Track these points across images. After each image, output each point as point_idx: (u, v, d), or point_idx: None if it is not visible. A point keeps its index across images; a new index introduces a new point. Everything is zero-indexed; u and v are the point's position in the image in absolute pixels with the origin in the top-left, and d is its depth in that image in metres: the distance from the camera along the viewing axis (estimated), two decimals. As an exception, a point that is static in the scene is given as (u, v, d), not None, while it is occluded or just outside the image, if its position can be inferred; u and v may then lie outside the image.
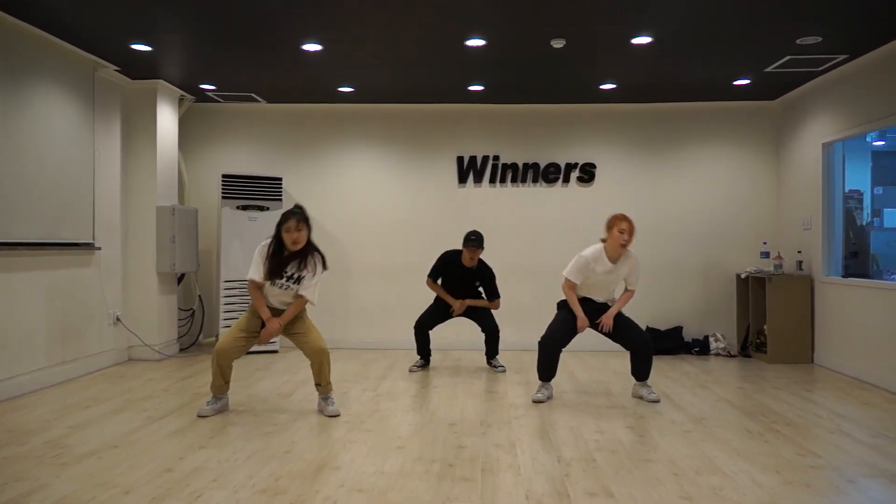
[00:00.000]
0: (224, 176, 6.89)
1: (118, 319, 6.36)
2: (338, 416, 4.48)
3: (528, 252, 7.42)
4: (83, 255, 5.86)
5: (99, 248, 6.01)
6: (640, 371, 5.01)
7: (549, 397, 5.00)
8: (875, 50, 5.52)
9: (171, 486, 3.16)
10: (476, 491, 3.13)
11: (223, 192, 6.87)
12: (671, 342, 7.18)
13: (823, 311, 6.40)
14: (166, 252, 6.60)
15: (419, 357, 6.24)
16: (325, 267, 4.56)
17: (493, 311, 6.15)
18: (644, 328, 7.25)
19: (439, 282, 6.15)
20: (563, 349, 4.97)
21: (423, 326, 6.14)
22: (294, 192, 7.50)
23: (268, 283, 4.46)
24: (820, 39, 5.24)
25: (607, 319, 4.89)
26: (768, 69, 6.07)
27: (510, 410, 4.67)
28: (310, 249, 4.49)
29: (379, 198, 7.55)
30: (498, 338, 6.17)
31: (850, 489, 3.20)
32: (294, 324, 4.58)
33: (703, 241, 7.39)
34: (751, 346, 7.04)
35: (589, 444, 3.88)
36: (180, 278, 7.17)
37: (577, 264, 4.91)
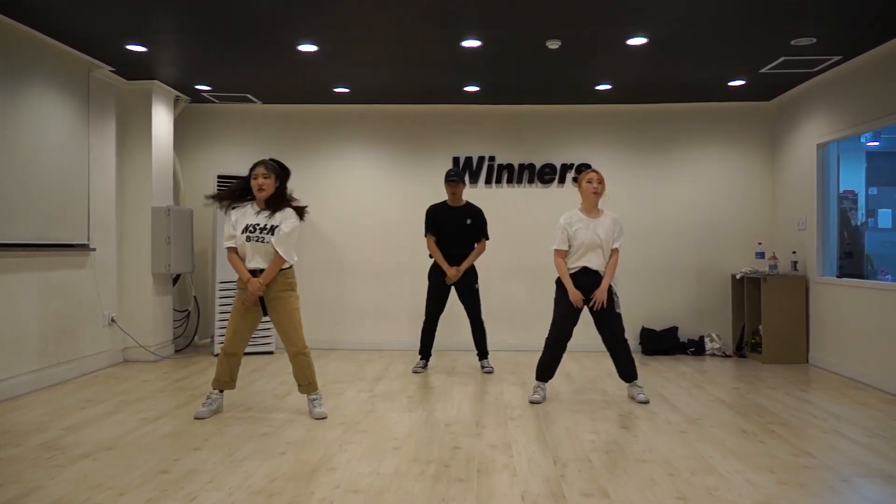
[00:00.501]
0: (219, 177, 6.88)
1: (113, 321, 6.35)
2: (324, 418, 4.42)
3: (523, 253, 7.42)
4: (78, 256, 5.84)
5: (94, 249, 6.00)
6: (626, 372, 4.98)
7: (545, 398, 5.00)
8: (869, 51, 5.54)
9: (166, 487, 3.15)
10: (472, 492, 3.13)
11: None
12: (667, 342, 7.19)
13: (818, 311, 6.41)
14: (161, 253, 6.58)
15: (420, 357, 6.22)
16: (300, 217, 4.45)
17: (477, 297, 6.07)
18: (639, 329, 7.29)
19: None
20: (568, 341, 4.95)
21: (434, 318, 6.12)
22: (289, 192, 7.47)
23: (243, 240, 4.35)
24: (815, 41, 5.26)
25: (600, 294, 4.81)
26: (763, 70, 6.08)
27: (506, 411, 4.67)
28: (282, 201, 4.41)
29: (375, 199, 7.54)
30: (483, 330, 6.14)
31: (844, 489, 3.21)
32: (281, 310, 4.42)
33: (698, 241, 7.40)
34: (746, 346, 7.05)
35: (584, 444, 3.89)
36: (175, 279, 7.15)
37: (556, 232, 4.95)
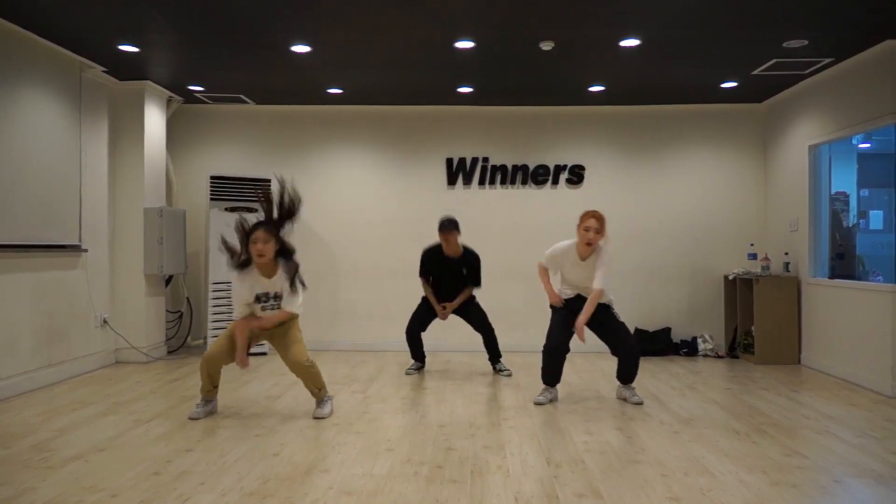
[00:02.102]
0: (212, 177, 6.86)
1: (105, 322, 6.32)
2: (322, 418, 4.43)
3: (517, 254, 7.42)
4: (70, 257, 5.82)
5: (86, 250, 5.97)
6: (626, 376, 4.99)
7: (552, 400, 4.98)
8: (860, 53, 5.57)
9: (159, 489, 3.14)
10: (465, 493, 3.13)
11: (211, 194, 6.84)
12: (659, 343, 7.21)
13: (810, 312, 6.44)
14: (154, 254, 6.56)
15: (414, 360, 6.21)
16: (303, 285, 4.43)
17: (479, 309, 6.04)
18: (633, 330, 7.30)
19: (431, 280, 6.08)
20: (566, 353, 4.93)
21: (414, 332, 6.09)
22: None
23: (258, 308, 4.39)
24: (806, 43, 5.28)
25: (578, 330, 4.72)
26: (755, 72, 6.11)
27: (500, 412, 4.67)
28: (282, 264, 4.35)
29: (368, 200, 7.54)
30: (494, 336, 6.06)
31: (836, 489, 3.22)
32: (279, 334, 4.48)
33: (690, 242, 7.43)
34: (738, 347, 7.07)
35: (578, 445, 3.89)
36: (168, 280, 7.13)
37: (550, 252, 4.93)
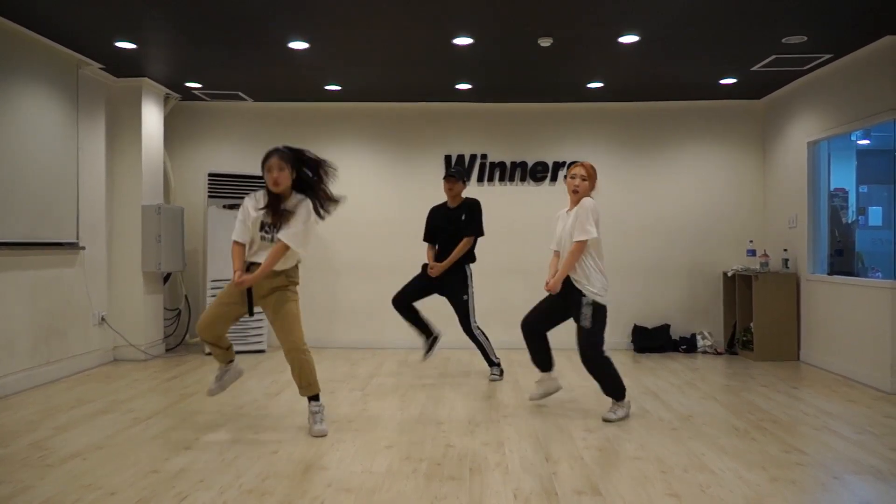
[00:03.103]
0: (210, 175, 6.85)
1: (103, 320, 6.31)
2: (324, 436, 3.98)
3: (516, 251, 7.42)
4: (67, 255, 5.80)
5: (83, 248, 5.96)
6: (604, 390, 4.46)
7: (546, 393, 4.70)
8: (859, 49, 5.56)
9: (157, 487, 3.14)
10: (464, 490, 3.13)
11: (209, 191, 6.83)
12: (659, 340, 7.21)
13: (809, 308, 6.44)
14: (152, 251, 6.55)
15: (424, 337, 5.64)
16: (319, 214, 4.02)
17: (464, 306, 5.54)
18: (632, 327, 7.30)
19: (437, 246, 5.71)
20: (544, 330, 4.53)
21: (399, 300, 5.58)
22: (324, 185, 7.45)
23: (258, 237, 3.96)
24: (805, 39, 5.27)
25: (553, 283, 4.32)
26: (754, 68, 6.10)
27: (498, 409, 4.66)
28: (298, 196, 3.99)
29: (367, 197, 7.52)
30: (479, 343, 5.60)
31: (835, 486, 3.22)
32: (275, 302, 3.99)
33: (689, 239, 7.42)
34: (737, 343, 7.07)
35: (577, 442, 3.89)
36: (166, 278, 7.12)
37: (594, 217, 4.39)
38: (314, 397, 4.09)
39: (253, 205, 4.01)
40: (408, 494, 3.07)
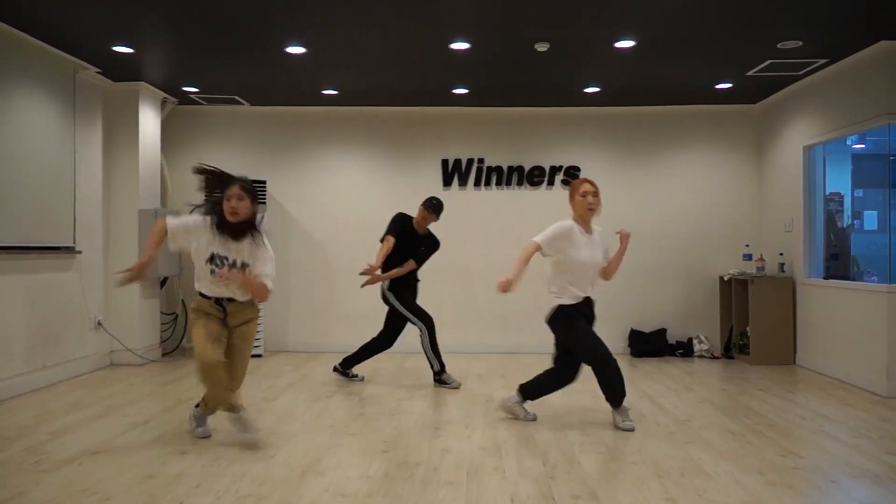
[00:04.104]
0: (207, 179, 6.83)
1: (99, 324, 6.30)
2: (208, 437, 3.96)
3: (512, 255, 7.37)
4: (64, 259, 5.79)
5: (80, 252, 5.95)
6: (612, 398, 4.32)
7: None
8: (855, 54, 5.58)
9: (153, 492, 3.13)
10: (461, 494, 3.13)
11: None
12: (655, 344, 7.21)
13: (805, 312, 6.45)
14: (149, 256, 6.52)
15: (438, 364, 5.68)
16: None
17: (398, 321, 5.75)
18: (628, 331, 7.30)
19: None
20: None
21: (389, 342, 5.84)
22: (278, 194, 7.46)
23: (203, 265, 3.78)
24: (801, 44, 5.29)
25: (612, 268, 4.29)
26: (750, 73, 6.12)
27: (495, 414, 4.66)
28: (252, 230, 3.79)
29: (363, 201, 7.52)
30: (368, 350, 5.82)
31: (832, 489, 3.22)
32: (242, 332, 3.89)
33: (686, 243, 7.43)
34: (734, 347, 7.08)
35: (574, 446, 3.89)
36: (163, 282, 7.11)
37: (553, 232, 4.24)
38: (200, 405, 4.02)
39: (206, 228, 3.76)
40: (405, 499, 3.07)
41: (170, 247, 3.87)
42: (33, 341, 5.38)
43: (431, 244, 5.73)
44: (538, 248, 4.27)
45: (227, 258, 3.77)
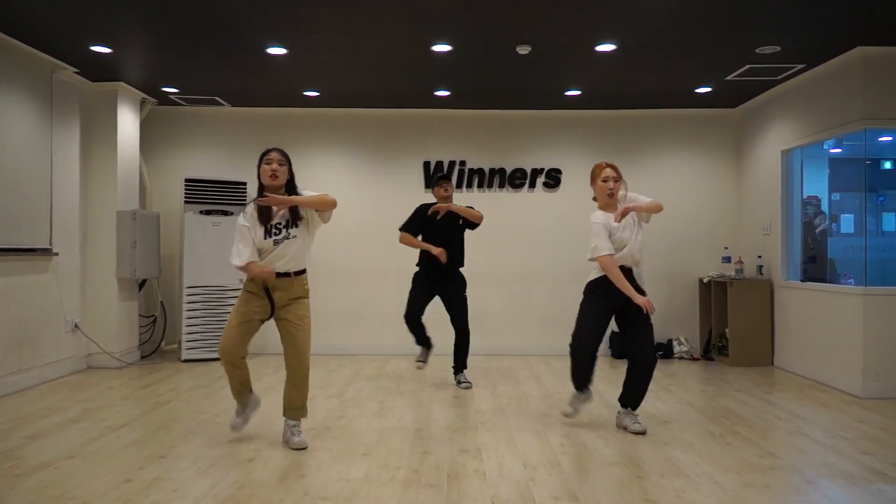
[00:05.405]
0: (187, 180, 6.79)
1: (76, 326, 6.22)
2: (304, 448, 3.85)
3: (494, 257, 7.43)
4: (40, 261, 5.71)
5: (56, 254, 5.87)
6: (633, 397, 4.25)
7: (577, 410, 4.42)
8: (832, 60, 5.65)
9: (130, 496, 3.09)
10: (442, 497, 3.12)
11: (186, 197, 6.77)
12: (636, 346, 7.24)
13: (783, 314, 6.52)
14: (127, 257, 6.47)
15: (421, 348, 5.73)
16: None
17: (464, 302, 5.65)
18: (609, 332, 7.32)
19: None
20: (596, 351, 4.26)
21: (414, 316, 5.60)
22: (259, 196, 7.41)
23: (270, 246, 3.84)
24: (779, 49, 5.35)
25: (647, 303, 4.06)
26: (729, 77, 6.18)
27: (476, 416, 4.67)
28: (292, 192, 3.95)
29: (345, 203, 7.41)
30: (468, 344, 5.69)
31: (809, 490, 3.26)
32: (295, 312, 3.92)
33: (666, 245, 7.48)
34: (713, 349, 7.14)
35: (554, 448, 3.90)
36: (141, 284, 7.03)
37: (598, 232, 4.12)
38: None
39: (251, 222, 3.86)
40: (385, 502, 3.06)
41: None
42: (8, 344, 5.30)
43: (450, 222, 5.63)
44: (611, 256, 4.14)
45: (279, 223, 3.88)
